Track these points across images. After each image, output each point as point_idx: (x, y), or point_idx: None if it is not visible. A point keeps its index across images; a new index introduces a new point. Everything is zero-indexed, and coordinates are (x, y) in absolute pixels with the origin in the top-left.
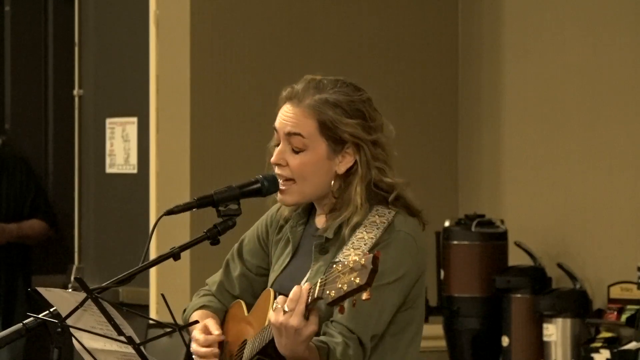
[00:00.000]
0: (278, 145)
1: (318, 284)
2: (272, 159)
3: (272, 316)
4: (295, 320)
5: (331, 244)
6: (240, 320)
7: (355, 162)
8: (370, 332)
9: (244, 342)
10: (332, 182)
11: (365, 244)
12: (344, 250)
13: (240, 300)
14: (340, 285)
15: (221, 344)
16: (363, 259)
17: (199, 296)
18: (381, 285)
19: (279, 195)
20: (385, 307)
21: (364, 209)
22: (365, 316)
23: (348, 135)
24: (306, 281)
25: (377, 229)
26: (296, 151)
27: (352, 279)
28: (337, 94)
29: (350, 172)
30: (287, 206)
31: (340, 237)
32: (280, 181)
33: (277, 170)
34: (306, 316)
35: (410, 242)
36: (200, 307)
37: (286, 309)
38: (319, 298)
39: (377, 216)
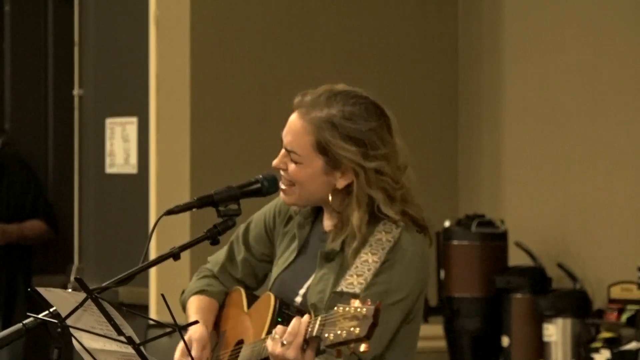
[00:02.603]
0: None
1: (318, 322)
2: (274, 163)
3: (270, 345)
4: (292, 353)
5: (337, 254)
6: (239, 313)
7: (353, 182)
8: (372, 353)
9: (240, 342)
10: (330, 196)
11: (369, 270)
12: (346, 277)
13: (240, 288)
14: (339, 332)
15: (218, 331)
16: (364, 309)
17: (199, 277)
18: (386, 305)
19: (281, 194)
20: (388, 327)
21: (363, 232)
22: None
23: (344, 159)
24: (308, 287)
25: (382, 249)
26: (294, 161)
27: (352, 328)
28: (342, 114)
29: (349, 189)
30: (289, 205)
31: (344, 254)
32: (282, 182)
33: (280, 172)
34: (304, 348)
35: (416, 261)
36: (200, 292)
37: (284, 342)
38: (317, 337)
39: (383, 232)
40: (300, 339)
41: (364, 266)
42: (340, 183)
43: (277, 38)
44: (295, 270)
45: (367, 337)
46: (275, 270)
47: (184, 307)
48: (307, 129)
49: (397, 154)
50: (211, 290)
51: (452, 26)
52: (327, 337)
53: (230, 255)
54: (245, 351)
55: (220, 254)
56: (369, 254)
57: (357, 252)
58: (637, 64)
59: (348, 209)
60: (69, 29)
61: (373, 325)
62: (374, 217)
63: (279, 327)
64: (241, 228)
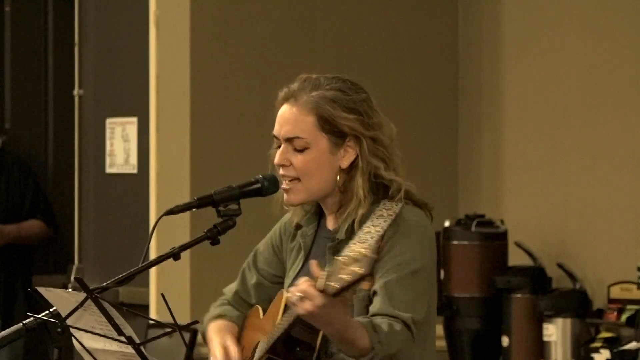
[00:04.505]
0: (279, 147)
1: (322, 277)
2: (276, 160)
3: (299, 310)
4: (315, 301)
5: (344, 244)
6: (255, 325)
7: (357, 156)
8: (408, 314)
9: (257, 345)
10: (338, 177)
11: (372, 237)
12: (350, 245)
13: (257, 306)
14: (343, 276)
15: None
16: (366, 249)
17: (216, 306)
18: (407, 274)
19: (284, 196)
20: (416, 294)
21: (368, 201)
22: (399, 302)
23: (347, 129)
24: None
25: (384, 221)
26: (299, 150)
27: (356, 269)
28: (334, 90)
29: (352, 165)
30: (294, 206)
31: (352, 235)
32: (285, 181)
33: (281, 171)
34: (324, 303)
35: (423, 231)
36: (217, 317)
37: (301, 296)
38: (322, 290)
39: (384, 209)
40: (310, 290)
41: (366, 235)
42: (345, 162)
43: (277, 38)
44: (305, 274)
45: (369, 274)
46: (287, 282)
47: (203, 336)
48: (306, 111)
49: (385, 125)
50: (228, 314)
51: (452, 26)
52: (332, 285)
53: (243, 282)
54: (260, 346)
55: (233, 284)
56: (371, 226)
57: (362, 222)
58: (637, 64)
59: (352, 183)
60: (69, 29)
61: (373, 261)
62: (374, 193)
63: (290, 294)
64: (250, 256)
